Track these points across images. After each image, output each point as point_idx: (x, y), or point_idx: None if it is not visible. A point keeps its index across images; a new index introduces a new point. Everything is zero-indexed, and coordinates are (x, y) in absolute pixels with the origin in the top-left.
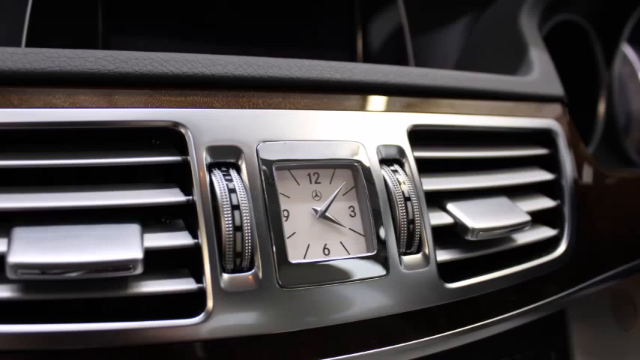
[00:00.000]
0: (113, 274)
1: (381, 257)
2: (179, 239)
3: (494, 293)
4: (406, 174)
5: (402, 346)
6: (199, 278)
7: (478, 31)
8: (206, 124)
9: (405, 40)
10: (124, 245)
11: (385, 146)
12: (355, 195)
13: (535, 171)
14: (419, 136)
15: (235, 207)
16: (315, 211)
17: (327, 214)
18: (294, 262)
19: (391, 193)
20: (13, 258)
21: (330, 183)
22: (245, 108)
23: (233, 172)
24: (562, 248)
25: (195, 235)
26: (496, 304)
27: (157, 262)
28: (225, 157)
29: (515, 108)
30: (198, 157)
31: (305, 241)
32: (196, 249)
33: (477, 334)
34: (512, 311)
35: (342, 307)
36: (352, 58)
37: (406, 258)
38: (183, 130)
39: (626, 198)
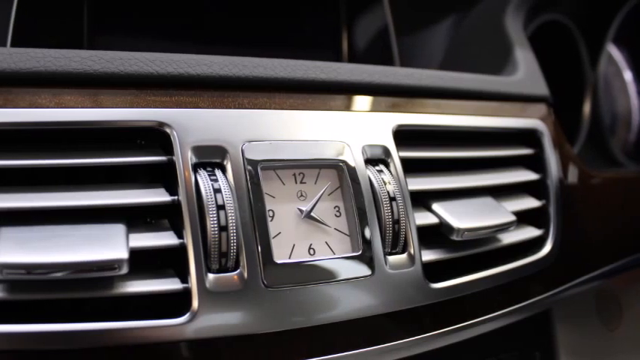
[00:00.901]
0: (99, 274)
1: (366, 257)
2: (164, 239)
3: (480, 293)
4: (391, 174)
5: (388, 346)
6: (185, 278)
7: (463, 31)
8: (191, 124)
9: (390, 40)
10: (110, 245)
11: (370, 146)
12: (340, 195)
13: (520, 171)
14: (404, 136)
15: (220, 207)
16: (301, 211)
17: (312, 214)
18: (279, 262)
19: (376, 193)
20: None
21: (316, 183)
22: (230, 108)
23: (218, 172)
24: (547, 248)
25: (180, 235)
26: (481, 304)
27: (143, 262)
28: (211, 157)
29: (500, 108)
30: (184, 157)
31: (290, 241)
32: (182, 249)
33: (463, 334)
34: (497, 311)
35: (327, 307)
36: (337, 58)
37: (391, 258)
38: (168, 130)
39: (611, 198)
